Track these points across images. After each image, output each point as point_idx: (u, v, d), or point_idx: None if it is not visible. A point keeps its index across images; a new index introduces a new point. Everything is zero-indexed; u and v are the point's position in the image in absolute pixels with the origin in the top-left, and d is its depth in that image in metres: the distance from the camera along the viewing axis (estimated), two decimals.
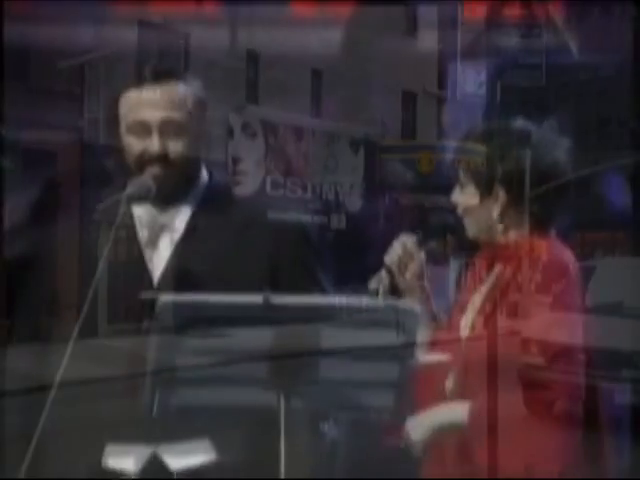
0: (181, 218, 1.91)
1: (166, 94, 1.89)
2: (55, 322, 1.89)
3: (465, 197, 2.07)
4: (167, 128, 1.87)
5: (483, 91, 23.40)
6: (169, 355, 1.70)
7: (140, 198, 1.84)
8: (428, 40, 22.65)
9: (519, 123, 2.07)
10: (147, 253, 1.89)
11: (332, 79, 19.97)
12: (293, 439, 1.66)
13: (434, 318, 2.08)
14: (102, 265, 1.73)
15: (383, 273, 2.06)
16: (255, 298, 1.64)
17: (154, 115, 1.87)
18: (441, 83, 23.75)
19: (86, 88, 16.03)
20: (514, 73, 22.53)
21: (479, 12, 21.08)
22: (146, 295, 1.75)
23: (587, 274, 1.92)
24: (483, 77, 23.56)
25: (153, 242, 1.90)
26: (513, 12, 21.49)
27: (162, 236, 1.90)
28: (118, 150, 1.95)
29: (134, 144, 1.88)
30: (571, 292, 1.96)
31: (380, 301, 1.94)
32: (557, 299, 1.91)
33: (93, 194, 1.95)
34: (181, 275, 1.84)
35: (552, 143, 2.03)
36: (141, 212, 1.91)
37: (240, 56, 17.85)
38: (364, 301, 1.76)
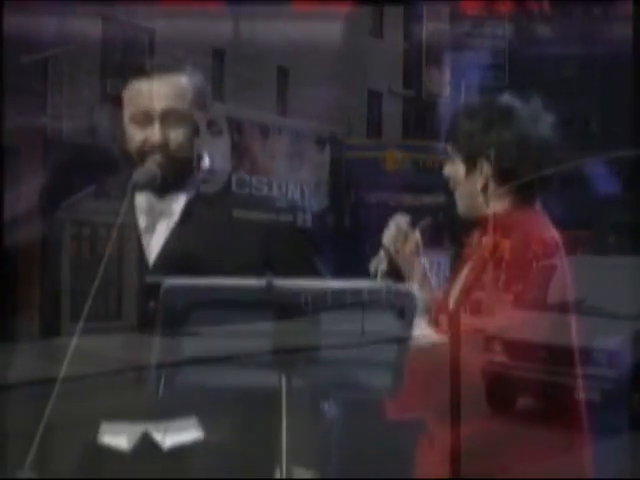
0: (179, 205, 1.95)
1: (168, 85, 1.94)
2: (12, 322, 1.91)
3: (453, 170, 2.12)
4: (168, 118, 1.92)
5: (447, 91, 23.54)
6: (173, 337, 1.71)
7: (146, 186, 1.88)
8: (394, 40, 22.74)
9: (503, 98, 2.11)
10: (145, 239, 1.93)
11: (298, 77, 19.96)
12: (294, 419, 1.67)
13: (432, 296, 2.10)
14: (65, 262, 1.73)
15: (381, 254, 2.10)
16: (258, 282, 1.66)
17: (156, 105, 1.92)
18: (407, 83, 23.85)
19: (49, 84, 15.87)
20: (477, 73, 22.68)
21: (444, 13, 21.20)
22: (142, 280, 1.82)
23: (549, 272, 1.95)
24: (447, 77, 23.70)
25: (151, 228, 1.93)
26: (477, 12, 21.63)
27: (160, 222, 1.94)
28: (83, 147, 1.95)
29: (136, 133, 1.93)
30: (553, 264, 2.00)
31: (378, 284, 1.95)
32: (539, 272, 1.96)
33: (57, 191, 1.95)
34: (176, 259, 1.87)
35: (535, 118, 2.07)
36: (140, 199, 1.94)
37: (206, 53, 17.79)
38: (363, 284, 1.79)
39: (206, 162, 2.00)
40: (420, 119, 23.62)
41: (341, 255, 2.24)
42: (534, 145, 2.04)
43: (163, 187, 1.93)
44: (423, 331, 1.92)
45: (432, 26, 23.79)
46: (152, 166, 1.88)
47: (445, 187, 2.19)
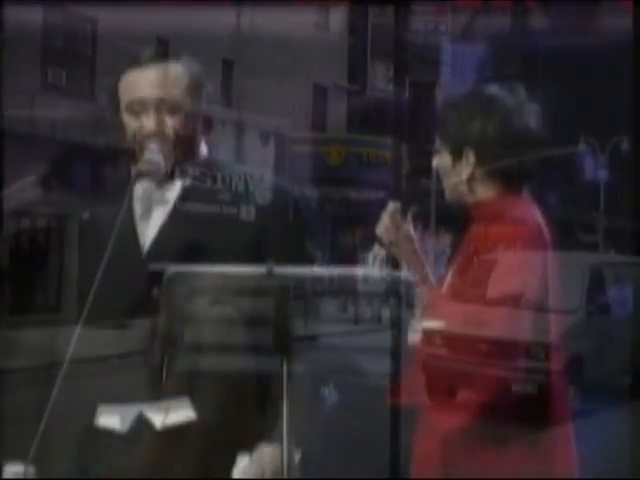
0: (172, 191, 1.97)
1: (162, 73, 1.96)
2: None
3: (441, 161, 2.16)
4: (163, 106, 1.94)
5: (391, 86, 23.66)
6: (176, 323, 1.75)
7: (150, 174, 1.91)
8: (339, 34, 22.79)
9: (489, 89, 2.17)
10: (140, 227, 1.95)
11: (243, 69, 19.89)
12: (295, 403, 1.70)
13: (429, 282, 2.13)
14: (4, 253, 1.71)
15: (377, 245, 2.12)
16: (259, 269, 1.69)
17: (151, 93, 1.95)
18: (352, 77, 23.94)
19: None
20: (421, 69, 22.83)
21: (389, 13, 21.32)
22: (136, 268, 1.82)
23: (491, 265, 1.98)
24: (392, 72, 23.83)
25: (146, 216, 1.96)
26: (421, 8, 21.77)
27: (155, 210, 1.96)
28: (23, 136, 1.93)
29: (131, 122, 1.96)
30: (537, 251, 2.04)
31: (375, 272, 1.99)
32: (524, 258, 2.00)
33: None
34: (171, 246, 1.89)
35: (519, 107, 2.12)
36: (137, 187, 1.96)
37: (149, 43, 17.61)
38: (359, 272, 1.83)
39: (203, 150, 2.04)
40: (365, 113, 23.72)
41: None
42: (517, 134, 2.10)
43: (159, 174, 1.96)
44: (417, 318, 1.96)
45: (377, 21, 23.89)
46: (155, 155, 1.91)
47: (387, 182, 2.21)
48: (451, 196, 2.17)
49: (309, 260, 1.96)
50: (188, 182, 1.98)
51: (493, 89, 2.16)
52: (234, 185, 2.01)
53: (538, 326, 2.06)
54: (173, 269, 1.74)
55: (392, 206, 2.16)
